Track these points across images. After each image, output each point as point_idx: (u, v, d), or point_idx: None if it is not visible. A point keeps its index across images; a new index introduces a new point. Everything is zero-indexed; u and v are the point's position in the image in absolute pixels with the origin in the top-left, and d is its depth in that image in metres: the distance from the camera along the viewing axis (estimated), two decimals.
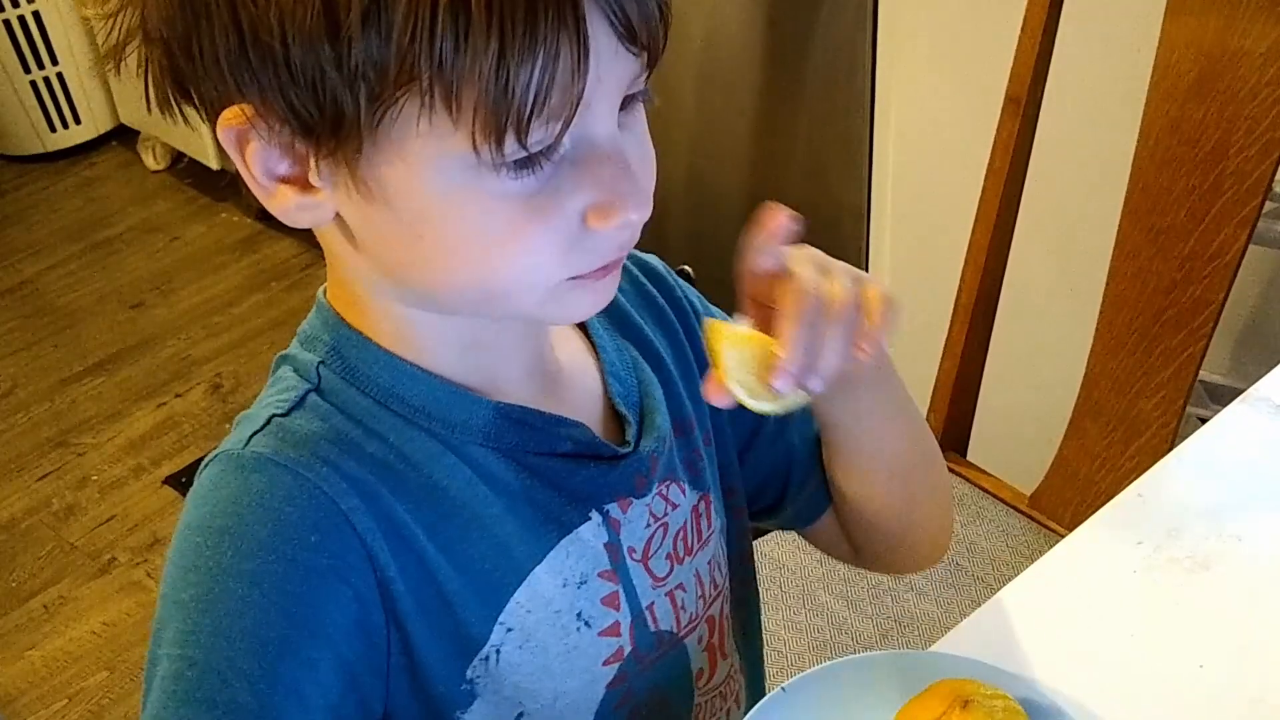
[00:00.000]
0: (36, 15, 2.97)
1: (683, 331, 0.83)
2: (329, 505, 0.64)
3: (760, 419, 0.85)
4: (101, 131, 3.20)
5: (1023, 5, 1.26)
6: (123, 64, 0.63)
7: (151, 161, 3.13)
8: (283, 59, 0.56)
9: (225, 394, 2.45)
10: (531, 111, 0.56)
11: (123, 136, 3.22)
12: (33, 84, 3.05)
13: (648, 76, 0.62)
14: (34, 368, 2.59)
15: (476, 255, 0.62)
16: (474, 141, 0.57)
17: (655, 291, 0.83)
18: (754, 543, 0.93)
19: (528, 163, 0.59)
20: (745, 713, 0.89)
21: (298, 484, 0.64)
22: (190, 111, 0.64)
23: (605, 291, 0.67)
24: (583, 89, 0.57)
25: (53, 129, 3.14)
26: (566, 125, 0.58)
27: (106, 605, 2.08)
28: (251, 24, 0.56)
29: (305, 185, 0.62)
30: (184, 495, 2.21)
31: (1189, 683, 0.80)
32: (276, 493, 0.64)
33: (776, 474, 0.88)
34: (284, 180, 0.62)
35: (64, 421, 2.45)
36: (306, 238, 2.93)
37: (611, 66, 0.59)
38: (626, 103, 0.62)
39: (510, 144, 0.57)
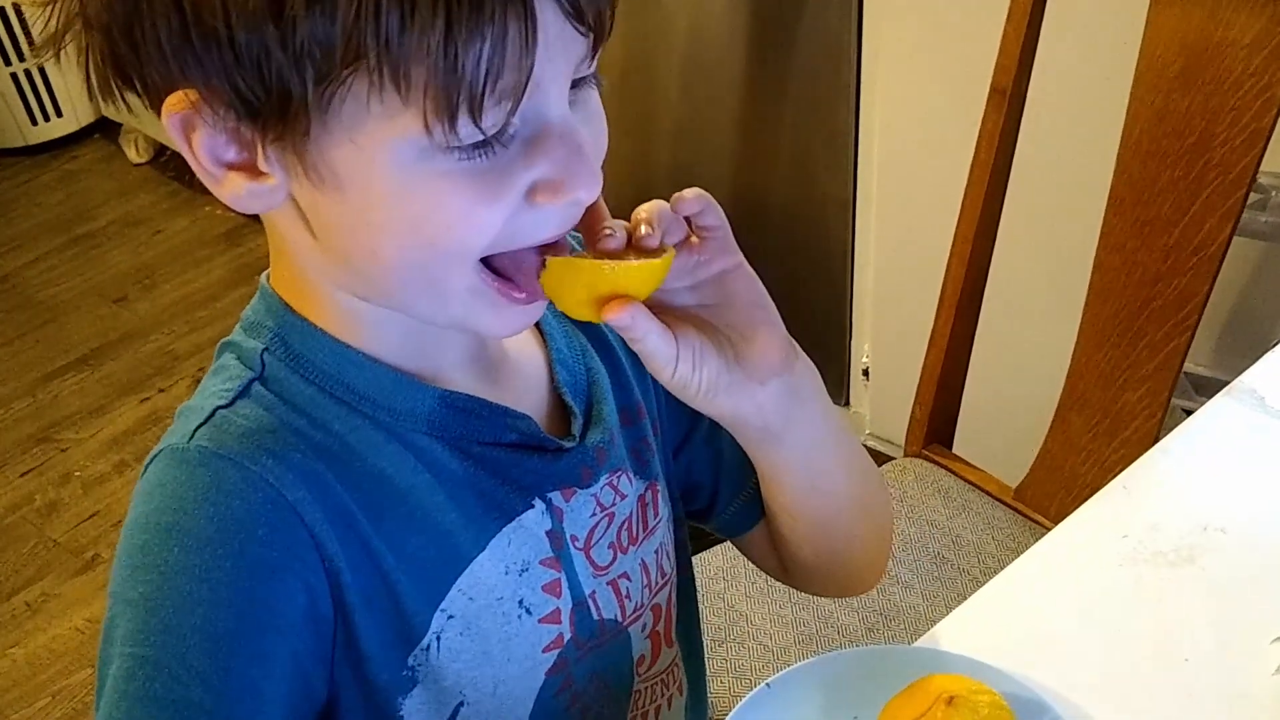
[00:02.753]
0: (17, 8, 2.95)
1: None
2: (275, 497, 0.64)
3: (695, 418, 0.86)
4: (83, 124, 3.19)
5: None
6: (62, 52, 0.62)
7: (134, 155, 3.11)
8: (227, 41, 0.56)
9: None
10: (483, 90, 0.56)
11: (105, 130, 3.20)
12: (13, 76, 3.04)
13: (594, 58, 0.63)
14: (16, 363, 2.58)
15: (425, 236, 0.62)
16: (426, 122, 0.57)
17: None
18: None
19: (480, 144, 0.59)
20: (687, 700, 0.90)
21: (243, 477, 0.64)
22: (133, 99, 0.63)
23: (532, 314, 0.68)
24: (531, 67, 0.57)
25: (34, 122, 3.12)
26: (517, 105, 0.58)
27: (90, 602, 2.06)
28: (194, 6, 0.56)
29: (254, 171, 0.61)
30: None
31: (1174, 676, 0.80)
32: (222, 487, 0.64)
33: (706, 479, 0.88)
34: (232, 167, 0.61)
35: (46, 417, 2.43)
36: None
37: (561, 46, 0.59)
38: (577, 84, 0.63)
39: (465, 126, 0.57)
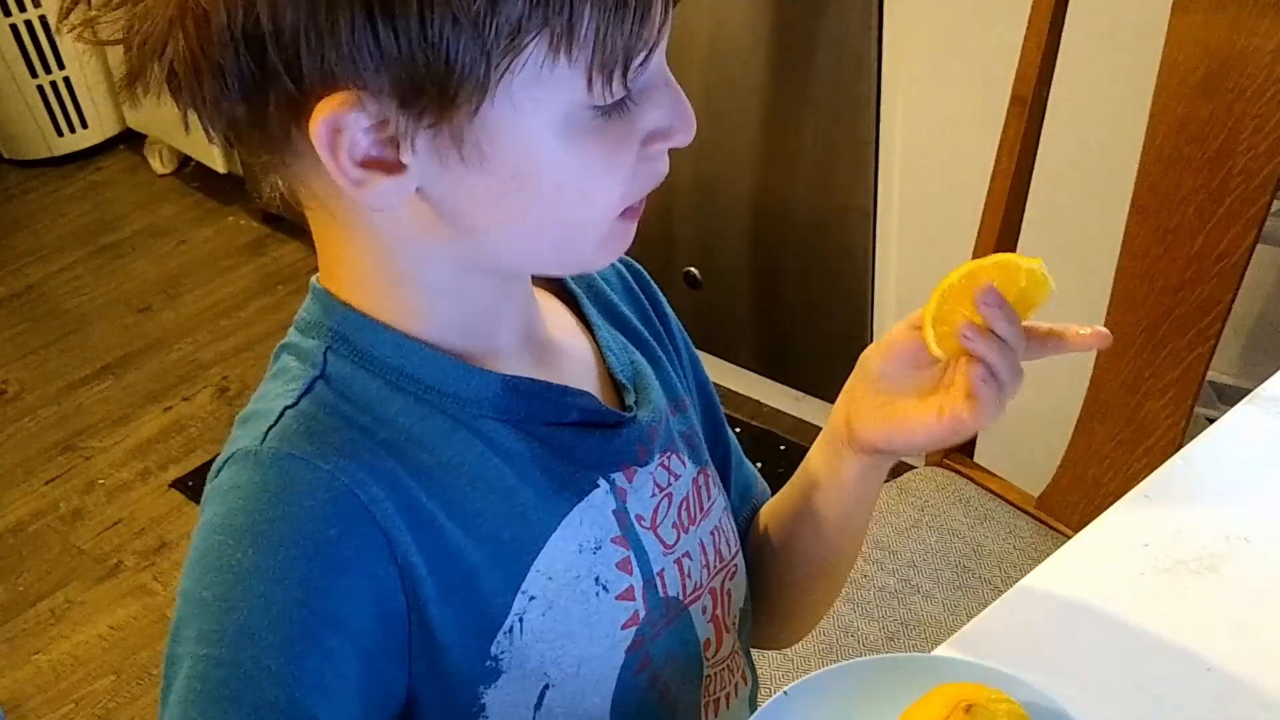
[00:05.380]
0: (43, 20, 2.98)
1: (664, 334, 0.86)
2: (348, 497, 0.65)
3: (716, 434, 0.91)
4: (108, 135, 3.21)
5: (1028, 4, 1.25)
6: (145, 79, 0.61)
7: (158, 165, 3.13)
8: (418, 26, 0.56)
9: (232, 397, 2.45)
10: (639, 45, 0.60)
11: (130, 140, 3.22)
12: (40, 89, 3.06)
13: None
14: (41, 372, 2.59)
15: (570, 196, 0.64)
16: (589, 80, 0.60)
17: (641, 293, 0.87)
18: None
19: (617, 98, 0.62)
20: (752, 693, 0.90)
21: (315, 477, 0.65)
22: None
23: (630, 234, 0.70)
24: (665, 17, 0.61)
25: (60, 133, 3.15)
26: (651, 55, 0.61)
27: (113, 609, 2.08)
28: (385, 0, 0.56)
29: (391, 167, 0.62)
30: (191, 499, 2.22)
31: (1197, 686, 0.79)
32: (295, 488, 0.64)
33: None
34: (370, 165, 0.61)
35: (71, 425, 2.45)
36: (313, 241, 2.93)
37: None
38: None
39: (617, 81, 0.60)
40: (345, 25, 0.56)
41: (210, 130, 0.63)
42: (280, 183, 0.67)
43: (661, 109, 0.65)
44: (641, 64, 0.61)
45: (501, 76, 0.58)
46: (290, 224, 2.87)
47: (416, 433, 0.68)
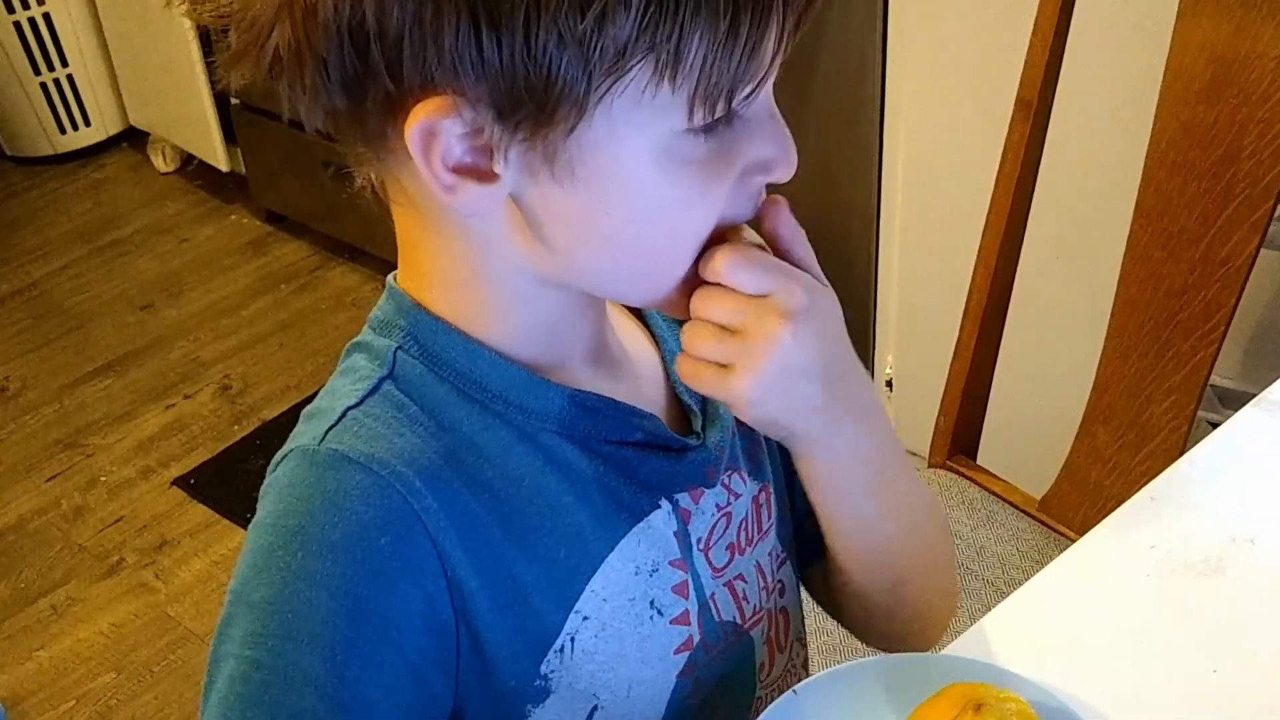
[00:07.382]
0: (47, 17, 2.98)
1: None
2: (402, 505, 0.64)
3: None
4: (111, 133, 3.20)
5: (1033, 7, 1.26)
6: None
7: (161, 163, 3.14)
8: (522, 44, 0.56)
9: (234, 395, 2.45)
10: (746, 77, 0.59)
11: (132, 138, 3.22)
12: (43, 86, 3.06)
13: None
14: (43, 369, 2.59)
15: (659, 224, 0.63)
16: (690, 108, 0.59)
17: None
18: None
19: (717, 124, 0.61)
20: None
21: (372, 483, 0.64)
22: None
23: None
24: (778, 51, 0.60)
25: (62, 131, 3.15)
26: (760, 89, 0.61)
27: (114, 606, 2.08)
28: (491, 10, 0.55)
29: (484, 175, 0.61)
30: (192, 497, 2.23)
31: (1202, 687, 0.80)
32: (350, 492, 0.64)
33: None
34: (462, 172, 0.61)
35: (73, 423, 2.45)
36: (316, 239, 2.94)
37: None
38: None
39: (721, 110, 0.59)
40: (449, 30, 0.56)
41: (308, 118, 0.62)
42: (373, 176, 0.67)
43: (764, 142, 0.64)
44: (748, 97, 0.60)
45: (601, 98, 0.58)
46: (292, 223, 2.87)
47: (479, 442, 0.67)
